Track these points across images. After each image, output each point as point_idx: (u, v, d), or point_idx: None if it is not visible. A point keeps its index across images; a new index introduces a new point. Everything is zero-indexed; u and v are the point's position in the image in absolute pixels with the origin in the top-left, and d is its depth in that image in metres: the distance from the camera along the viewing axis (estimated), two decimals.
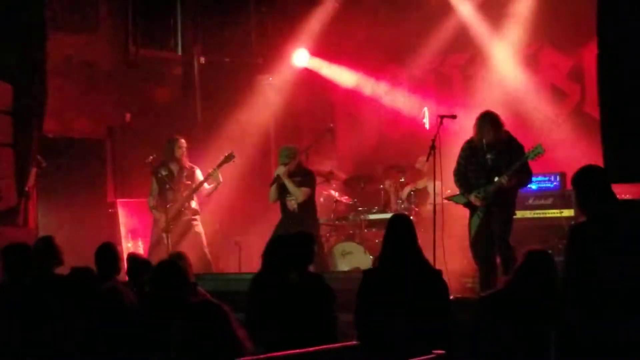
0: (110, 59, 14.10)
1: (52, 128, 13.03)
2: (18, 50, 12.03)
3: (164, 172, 12.06)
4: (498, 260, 9.81)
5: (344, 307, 7.31)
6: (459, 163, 10.05)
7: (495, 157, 9.80)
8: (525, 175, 9.86)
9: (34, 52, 12.17)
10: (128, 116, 14.08)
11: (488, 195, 9.74)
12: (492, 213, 9.82)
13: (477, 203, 9.81)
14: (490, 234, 9.84)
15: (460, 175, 10.03)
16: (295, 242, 7.26)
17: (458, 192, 10.13)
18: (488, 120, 9.89)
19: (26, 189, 12.08)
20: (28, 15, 12.12)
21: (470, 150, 10.01)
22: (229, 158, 12.05)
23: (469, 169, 9.98)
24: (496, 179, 9.70)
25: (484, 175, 9.85)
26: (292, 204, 11.36)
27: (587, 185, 6.47)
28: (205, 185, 12.04)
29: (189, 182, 12.10)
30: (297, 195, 11.34)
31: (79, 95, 13.60)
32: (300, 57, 14.91)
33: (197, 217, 12.16)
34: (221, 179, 12.03)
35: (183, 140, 12.25)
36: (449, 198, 10.46)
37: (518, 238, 10.55)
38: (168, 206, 11.86)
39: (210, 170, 12.02)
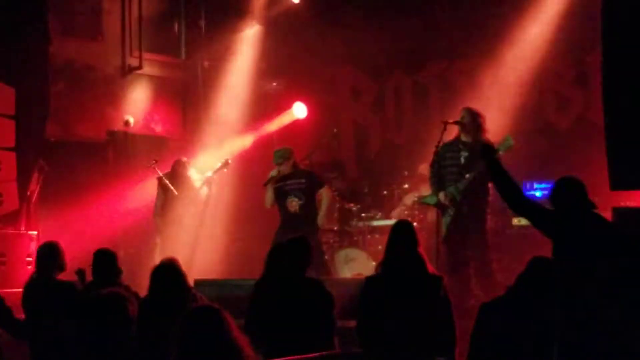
0: (113, 63, 14.07)
1: (54, 132, 13.01)
2: (21, 54, 12.03)
3: (168, 181, 12.09)
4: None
5: (347, 314, 7.26)
6: (433, 160, 9.96)
7: (469, 156, 9.84)
8: None
9: (37, 56, 12.18)
10: (130, 120, 14.04)
11: (456, 194, 9.76)
12: (463, 215, 9.83)
13: (446, 202, 9.83)
14: (463, 238, 9.88)
15: (434, 174, 10.03)
16: (293, 246, 7.23)
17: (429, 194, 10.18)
18: (469, 114, 9.94)
19: (28, 192, 12.08)
20: (31, 20, 12.12)
21: (447, 147, 10.02)
22: (225, 165, 12.12)
23: (442, 165, 9.99)
24: (467, 175, 9.72)
25: (456, 172, 9.89)
26: (293, 205, 11.24)
27: (562, 197, 6.71)
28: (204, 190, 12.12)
29: (192, 192, 12.13)
30: (329, 200, 11.35)
31: (81, 99, 13.57)
32: (299, 111, 14.79)
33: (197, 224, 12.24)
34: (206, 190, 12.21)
35: (185, 161, 12.31)
36: (421, 200, 10.43)
37: (521, 244, 10.54)
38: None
39: (208, 176, 12.12)
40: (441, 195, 9.90)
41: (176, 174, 12.22)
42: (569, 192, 7.00)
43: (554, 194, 7.06)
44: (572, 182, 7.11)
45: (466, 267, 9.95)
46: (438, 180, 10.01)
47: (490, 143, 9.71)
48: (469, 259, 10.02)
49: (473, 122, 9.98)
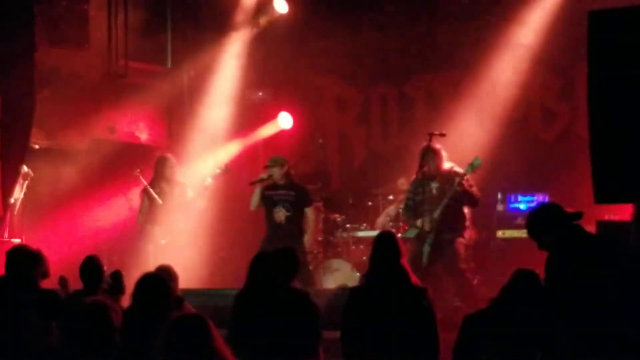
0: (98, 71, 14.02)
1: (38, 139, 12.97)
2: (6, 61, 11.98)
3: (155, 190, 12.04)
4: None
5: (331, 325, 7.25)
6: (407, 198, 10.56)
7: (439, 186, 10.21)
8: (471, 194, 10.09)
9: (23, 63, 12.12)
10: (115, 128, 14.01)
11: (434, 220, 9.94)
12: (441, 242, 10.00)
13: (426, 227, 9.98)
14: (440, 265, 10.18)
15: (408, 209, 10.39)
16: (279, 257, 7.21)
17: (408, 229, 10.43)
18: (431, 152, 10.09)
19: (12, 200, 12.01)
20: (17, 27, 12.07)
21: (417, 182, 10.32)
22: (225, 171, 12.10)
23: (416, 200, 10.36)
24: (444, 201, 9.94)
25: (429, 202, 10.08)
26: (279, 215, 11.22)
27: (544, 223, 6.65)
28: (199, 203, 12.10)
29: (180, 199, 12.09)
30: (312, 221, 11.43)
31: (67, 107, 13.52)
32: (285, 121, 14.80)
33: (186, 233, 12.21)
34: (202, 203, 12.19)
35: (173, 159, 12.28)
36: (402, 236, 10.57)
37: (505, 257, 10.56)
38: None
39: (206, 184, 12.08)
40: (419, 222, 10.12)
41: (162, 177, 12.15)
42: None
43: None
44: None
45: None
46: (414, 214, 10.26)
47: (455, 171, 9.96)
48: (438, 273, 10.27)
49: (433, 157, 10.24)
